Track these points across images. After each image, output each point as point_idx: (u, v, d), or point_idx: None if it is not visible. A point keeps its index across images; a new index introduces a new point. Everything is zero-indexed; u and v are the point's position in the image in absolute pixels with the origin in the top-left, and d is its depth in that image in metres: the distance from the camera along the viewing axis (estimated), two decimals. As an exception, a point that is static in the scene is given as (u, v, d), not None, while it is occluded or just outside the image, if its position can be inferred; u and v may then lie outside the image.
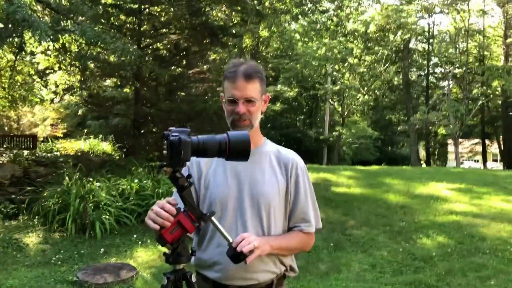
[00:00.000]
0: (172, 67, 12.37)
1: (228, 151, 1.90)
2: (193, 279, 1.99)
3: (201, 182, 2.18)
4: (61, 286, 5.70)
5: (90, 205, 7.82)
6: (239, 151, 1.91)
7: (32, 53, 13.15)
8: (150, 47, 12.41)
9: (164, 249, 1.97)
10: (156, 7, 11.33)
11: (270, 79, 29.76)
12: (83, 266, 6.35)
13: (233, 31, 11.49)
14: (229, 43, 13.78)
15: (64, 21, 7.73)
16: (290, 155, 2.25)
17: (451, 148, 36.62)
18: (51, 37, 7.14)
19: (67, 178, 8.54)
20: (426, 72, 35.84)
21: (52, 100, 19.13)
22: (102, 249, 7.11)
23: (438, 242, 7.44)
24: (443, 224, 8.18)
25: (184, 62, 12.61)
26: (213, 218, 1.95)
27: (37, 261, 6.63)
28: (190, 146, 1.84)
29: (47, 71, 14.28)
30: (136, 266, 6.32)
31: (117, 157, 14.03)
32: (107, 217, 7.78)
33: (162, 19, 11.28)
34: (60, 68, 12.89)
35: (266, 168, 2.18)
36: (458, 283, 5.84)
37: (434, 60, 34.17)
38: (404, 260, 6.75)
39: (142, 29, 11.76)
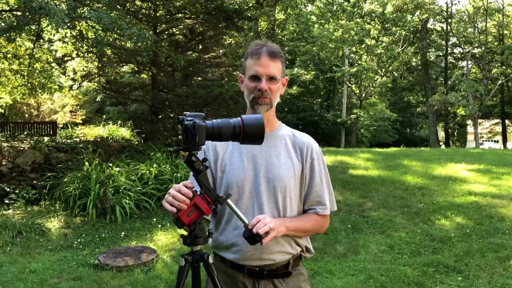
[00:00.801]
0: (188, 52, 12.38)
1: (242, 134, 1.92)
2: (210, 260, 2.04)
3: (218, 165, 2.21)
4: (83, 269, 5.82)
5: (110, 189, 7.95)
6: (253, 135, 1.94)
7: (50, 41, 13.27)
8: (166, 32, 12.43)
9: (183, 232, 2.02)
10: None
11: (287, 62, 29.57)
12: (104, 250, 6.48)
13: (248, 14, 11.39)
14: (245, 27, 13.71)
15: (80, 8, 7.77)
16: (305, 138, 2.28)
17: (470, 129, 36.21)
18: (68, 24, 7.22)
19: (87, 163, 8.67)
20: (444, 52, 35.37)
21: (71, 87, 19.33)
22: (123, 233, 7.23)
23: (456, 223, 7.42)
24: (461, 205, 8.14)
25: (200, 47, 12.63)
26: (229, 201, 1.99)
27: (59, 245, 6.78)
28: (205, 130, 1.87)
29: (65, 58, 14.42)
30: (156, 249, 6.42)
31: (136, 143, 14.17)
32: (127, 201, 7.90)
33: (177, 3, 11.25)
34: (78, 55, 12.99)
35: (282, 151, 2.21)
36: (477, 263, 5.83)
37: (453, 40, 33.67)
38: (422, 241, 6.75)
39: (157, 14, 11.77)
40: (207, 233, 2.02)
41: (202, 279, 2.06)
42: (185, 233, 2.00)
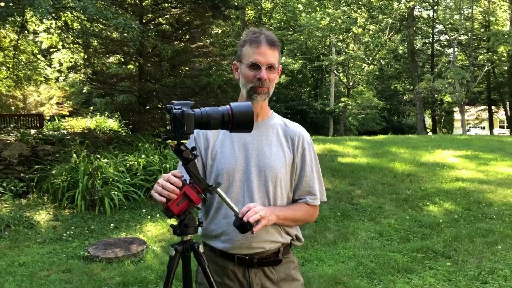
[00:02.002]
0: (175, 42, 12.30)
1: (231, 123, 1.91)
2: (201, 249, 2.03)
3: (208, 153, 2.20)
4: (72, 261, 5.80)
5: (98, 181, 7.91)
6: (243, 123, 1.92)
7: (35, 32, 13.12)
8: (152, 22, 12.33)
9: (173, 222, 2.00)
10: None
11: (274, 51, 29.52)
12: (94, 242, 6.45)
13: (235, 3, 11.33)
14: (232, 16, 13.64)
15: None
16: (297, 128, 2.28)
17: (457, 115, 36.46)
18: (53, 15, 7.12)
19: (74, 155, 8.62)
20: (431, 39, 35.48)
21: (57, 79, 19.14)
22: (112, 225, 7.21)
23: (444, 209, 7.48)
24: (449, 191, 8.21)
25: (187, 37, 12.54)
26: (219, 189, 1.97)
27: (48, 237, 6.74)
28: (193, 118, 1.85)
29: (51, 50, 14.26)
30: (146, 240, 6.41)
31: (124, 134, 14.09)
32: (115, 193, 7.87)
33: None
34: (63, 47, 12.85)
35: (273, 140, 2.20)
36: (465, 248, 5.89)
37: (439, 27, 33.76)
38: (411, 227, 6.80)
39: (143, 4, 11.68)
40: (197, 223, 2.01)
41: (193, 269, 2.05)
42: (175, 223, 1.98)
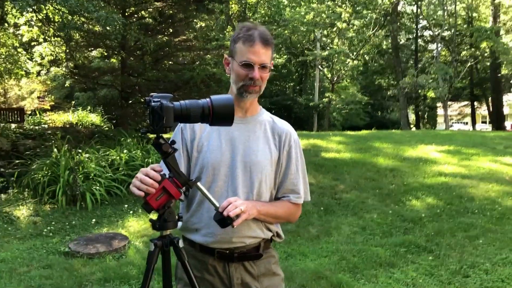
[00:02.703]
0: (158, 36, 12.20)
1: (212, 116, 1.88)
2: (181, 244, 2.00)
3: (194, 145, 2.17)
4: (53, 257, 5.72)
5: (79, 176, 7.82)
6: (223, 116, 1.90)
7: (16, 25, 12.91)
8: (135, 15, 12.21)
9: (154, 217, 1.98)
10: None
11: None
12: (75, 237, 6.38)
13: (219, -4, 11.29)
14: (216, 10, 13.57)
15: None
16: (285, 126, 2.25)
17: (440, 111, 36.71)
18: (34, 7, 7.01)
19: (55, 150, 8.51)
20: (414, 35, 35.67)
21: (38, 73, 18.90)
22: (94, 220, 7.14)
23: (427, 203, 7.51)
24: (432, 186, 8.25)
25: (170, 30, 12.45)
26: (199, 184, 1.95)
27: (28, 233, 6.65)
28: (173, 111, 1.82)
29: (32, 43, 14.06)
30: (128, 236, 6.35)
31: (106, 128, 13.97)
32: (97, 188, 7.78)
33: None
34: (45, 40, 12.68)
35: (261, 137, 2.18)
36: (447, 243, 5.92)
37: (423, 23, 33.98)
38: (394, 222, 6.82)
39: (126, -3, 11.55)
40: (176, 217, 1.98)
41: (173, 264, 2.01)
42: (155, 217, 1.96)
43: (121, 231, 6.62)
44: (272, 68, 2.21)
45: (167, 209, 1.93)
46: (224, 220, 1.94)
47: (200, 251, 2.18)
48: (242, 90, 2.10)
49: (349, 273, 5.15)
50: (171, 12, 11.78)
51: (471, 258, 5.42)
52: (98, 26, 9.74)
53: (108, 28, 8.76)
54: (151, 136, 1.88)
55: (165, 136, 1.89)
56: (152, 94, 1.88)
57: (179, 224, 2.18)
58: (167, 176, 1.90)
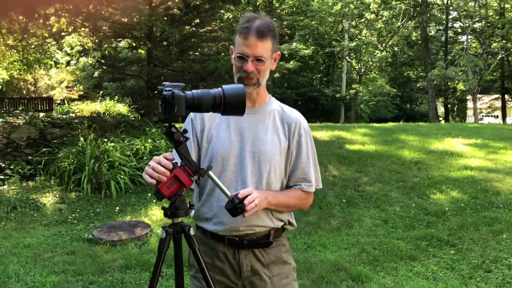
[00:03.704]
0: (184, 26, 12.24)
1: (223, 105, 1.90)
2: (192, 232, 2.03)
3: (204, 135, 2.20)
4: (76, 244, 5.84)
5: (105, 165, 7.93)
6: (234, 105, 1.91)
7: (46, 15, 13.09)
8: (162, 6, 12.27)
9: (166, 204, 2.01)
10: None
11: (286, 37, 29.33)
12: (99, 224, 6.49)
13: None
14: (242, 0, 13.56)
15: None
16: (294, 114, 2.26)
17: (470, 104, 36.03)
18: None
19: (82, 139, 8.64)
20: (444, 26, 35.02)
21: (68, 63, 19.18)
22: (118, 208, 7.25)
23: (451, 197, 7.42)
24: (457, 179, 8.13)
25: (196, 21, 12.48)
26: (210, 173, 1.97)
27: (54, 220, 6.79)
28: (184, 100, 1.84)
29: (62, 34, 14.24)
30: (151, 224, 6.43)
31: (132, 118, 14.12)
32: (122, 176, 7.89)
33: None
34: (74, 30, 12.83)
35: (270, 126, 2.19)
36: (470, 237, 5.85)
37: (453, 14, 33.29)
38: (417, 215, 6.77)
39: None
40: (188, 205, 2.01)
41: (186, 252, 2.04)
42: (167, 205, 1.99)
43: (144, 219, 6.71)
44: (278, 57, 2.21)
45: (178, 197, 1.97)
46: (235, 209, 1.97)
47: (211, 238, 2.22)
48: (240, 82, 2.11)
49: (369, 265, 5.13)
50: (197, 2, 11.81)
51: (494, 252, 5.34)
52: (123, 17, 9.80)
53: (132, 18, 8.80)
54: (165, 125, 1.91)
55: (177, 125, 1.91)
56: (164, 83, 1.90)
57: (192, 212, 2.23)
58: (178, 164, 1.93)
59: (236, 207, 1.96)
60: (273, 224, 2.20)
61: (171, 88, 1.85)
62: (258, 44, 2.05)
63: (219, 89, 1.91)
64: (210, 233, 2.21)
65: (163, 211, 2.03)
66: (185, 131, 1.95)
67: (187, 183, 1.92)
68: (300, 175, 2.22)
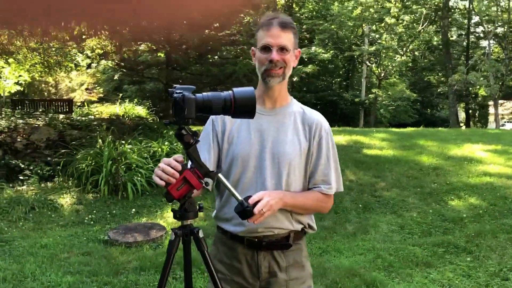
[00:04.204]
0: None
1: (233, 108, 1.90)
2: (201, 234, 2.03)
3: (225, 137, 2.21)
4: (92, 245, 5.88)
5: (122, 167, 7.99)
6: (245, 108, 1.91)
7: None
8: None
9: (176, 207, 2.02)
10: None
11: (305, 41, 29.31)
12: (115, 226, 6.53)
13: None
14: (263, 4, 13.57)
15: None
16: (315, 116, 2.25)
17: (492, 109, 35.62)
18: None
19: (100, 141, 8.71)
20: (466, 31, 34.68)
21: (89, 65, 19.38)
22: (134, 210, 7.29)
23: (469, 203, 7.32)
24: (475, 186, 8.02)
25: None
26: (220, 175, 1.97)
27: (71, 220, 6.86)
28: (194, 103, 1.84)
29: (83, 36, 14.39)
30: (166, 226, 6.46)
31: (151, 121, 14.20)
32: (138, 178, 7.93)
33: (191, -20, 11.18)
34: (95, 33, 12.94)
35: (290, 128, 2.19)
36: (488, 244, 5.77)
37: (475, 18, 32.97)
38: (434, 221, 6.69)
39: (172, -9, 11.67)
40: (197, 208, 2.01)
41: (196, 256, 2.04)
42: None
43: (160, 221, 6.74)
44: (299, 55, 2.22)
45: (187, 199, 1.96)
46: (244, 212, 1.96)
47: (231, 239, 2.23)
48: (265, 76, 2.12)
49: (384, 271, 5.09)
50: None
51: (512, 260, 5.26)
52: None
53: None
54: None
55: (193, 128, 1.92)
56: (175, 85, 1.92)
57: (214, 212, 2.25)
58: (188, 167, 1.93)
59: (245, 210, 1.96)
60: (293, 226, 2.19)
61: (181, 91, 1.86)
62: (281, 34, 2.08)
63: (230, 92, 1.91)
64: (230, 234, 2.22)
65: (172, 213, 2.04)
66: (195, 133, 1.95)
67: (197, 186, 1.92)
68: (320, 177, 2.20)
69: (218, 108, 1.89)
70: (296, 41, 2.16)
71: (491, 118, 38.23)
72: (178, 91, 1.87)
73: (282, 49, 2.08)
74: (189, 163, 1.96)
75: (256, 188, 2.10)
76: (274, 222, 2.14)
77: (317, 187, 2.21)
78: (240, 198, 1.97)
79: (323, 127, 2.22)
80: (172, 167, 1.87)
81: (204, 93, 1.91)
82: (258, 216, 1.95)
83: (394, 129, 16.38)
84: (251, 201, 1.96)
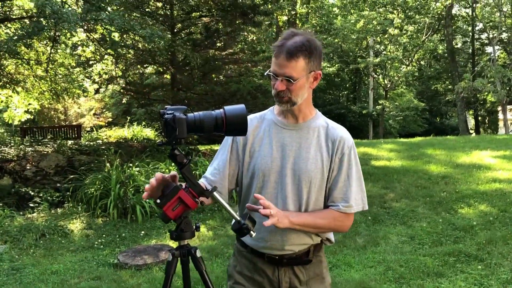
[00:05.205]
0: (207, 50, 12.40)
1: (225, 126, 1.92)
2: (198, 254, 2.04)
3: (246, 150, 2.20)
4: (102, 269, 5.89)
5: (130, 189, 8.02)
6: (236, 126, 1.94)
7: (75, 45, 13.44)
8: (184, 31, 12.48)
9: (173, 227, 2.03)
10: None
11: (310, 55, 29.38)
12: (124, 249, 6.54)
13: (264, 9, 11.35)
14: (266, 22, 13.69)
15: (95, 11, 7.84)
16: (340, 132, 2.20)
17: (501, 115, 35.43)
18: (84, 27, 7.28)
19: (108, 164, 8.76)
20: (471, 38, 34.65)
21: (97, 90, 19.56)
22: (143, 232, 7.30)
23: (479, 211, 7.26)
24: (485, 193, 7.96)
25: (218, 45, 12.65)
26: (215, 194, 1.98)
27: (81, 246, 6.87)
28: (185, 123, 1.87)
29: (90, 62, 14.59)
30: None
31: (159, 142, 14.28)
32: (147, 201, 7.95)
33: (192, 2, 11.32)
34: (102, 58, 13.12)
35: (313, 144, 2.16)
36: (499, 251, 5.70)
37: (479, 25, 32.93)
38: (444, 230, 6.63)
39: (174, 14, 11.82)
40: (194, 227, 2.02)
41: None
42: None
43: (169, 243, 6.74)
44: (318, 77, 2.14)
45: (183, 219, 1.98)
46: (241, 230, 1.96)
47: (251, 253, 2.23)
48: (276, 100, 2.12)
49: (394, 283, 5.04)
50: (216, 26, 11.98)
51: (524, 267, 5.19)
52: (143, 43, 9.98)
53: (153, 45, 8.97)
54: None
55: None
56: (166, 106, 1.94)
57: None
58: (183, 187, 1.95)
59: (241, 227, 1.96)
60: (313, 241, 2.20)
61: (172, 111, 1.89)
62: (287, 64, 2.01)
63: (221, 110, 1.94)
64: (250, 248, 2.23)
65: (169, 234, 2.05)
66: (188, 153, 1.97)
67: (192, 205, 1.94)
68: (339, 194, 2.15)
69: (210, 126, 1.92)
70: (312, 64, 2.07)
71: (502, 124, 37.99)
72: (169, 111, 1.90)
73: (288, 79, 2.03)
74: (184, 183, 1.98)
75: (277, 204, 2.09)
76: (294, 238, 2.14)
77: (335, 205, 2.16)
78: (237, 216, 1.98)
79: (346, 144, 2.17)
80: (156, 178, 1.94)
81: (196, 113, 1.93)
82: (268, 212, 1.92)
83: (402, 139, 16.33)
84: (261, 202, 1.95)
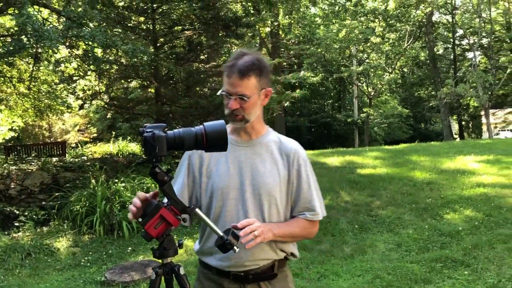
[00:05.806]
0: (189, 64, 12.40)
1: (205, 142, 1.92)
2: (181, 271, 2.03)
3: (203, 171, 2.22)
4: (90, 287, 5.84)
5: (116, 205, 7.97)
6: (216, 141, 1.94)
7: (58, 62, 13.37)
8: (166, 45, 12.48)
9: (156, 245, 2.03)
10: (165, 5, 11.33)
11: (294, 66, 29.57)
12: (112, 266, 6.49)
13: (246, 21, 11.41)
14: (249, 34, 13.75)
15: (76, 28, 7.82)
16: (292, 145, 2.26)
17: (484, 120, 35.83)
18: (65, 44, 7.25)
19: (93, 181, 8.70)
20: (452, 44, 35.09)
21: (81, 106, 19.43)
22: (130, 248, 7.25)
23: (465, 216, 7.32)
24: (470, 198, 8.03)
25: (202, 57, 12.66)
26: (197, 210, 1.98)
27: (67, 264, 6.80)
28: (165, 140, 1.87)
29: (74, 78, 14.50)
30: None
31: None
32: (133, 217, 7.88)
33: (174, 16, 11.34)
34: (85, 75, 13.06)
35: (268, 158, 2.20)
36: (486, 256, 5.75)
37: (460, 31, 33.37)
38: (431, 236, 6.67)
39: (156, 29, 11.82)
40: (177, 245, 2.02)
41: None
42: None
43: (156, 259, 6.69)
44: (267, 93, 2.19)
45: (166, 237, 1.98)
46: (224, 246, 1.96)
47: (216, 274, 2.22)
48: (229, 119, 2.15)
49: (382, 291, 5.05)
50: (198, 39, 11.99)
51: (510, 270, 5.24)
52: (126, 58, 9.97)
53: (135, 60, 8.96)
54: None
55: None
56: (145, 124, 1.94)
57: (196, 246, 2.25)
58: (165, 204, 1.95)
59: (225, 243, 1.95)
60: (277, 255, 2.21)
61: (152, 129, 1.89)
62: (240, 83, 2.06)
63: (201, 126, 1.94)
64: (215, 269, 2.22)
65: (152, 252, 2.05)
66: (169, 170, 1.98)
67: (174, 223, 1.94)
68: (303, 204, 2.21)
69: (190, 143, 1.92)
70: (264, 81, 2.14)
71: (485, 128, 38.41)
72: (148, 130, 1.89)
73: (242, 97, 2.07)
74: (165, 200, 1.98)
75: (239, 220, 2.08)
76: (259, 253, 2.14)
77: (302, 214, 2.22)
78: (220, 232, 1.97)
79: (300, 156, 2.23)
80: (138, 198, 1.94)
81: (176, 130, 1.94)
82: (250, 238, 1.95)
83: (386, 147, 16.43)
84: (240, 225, 1.97)
